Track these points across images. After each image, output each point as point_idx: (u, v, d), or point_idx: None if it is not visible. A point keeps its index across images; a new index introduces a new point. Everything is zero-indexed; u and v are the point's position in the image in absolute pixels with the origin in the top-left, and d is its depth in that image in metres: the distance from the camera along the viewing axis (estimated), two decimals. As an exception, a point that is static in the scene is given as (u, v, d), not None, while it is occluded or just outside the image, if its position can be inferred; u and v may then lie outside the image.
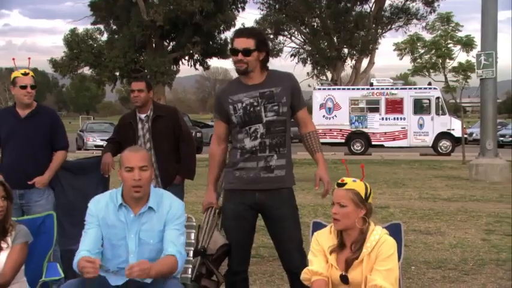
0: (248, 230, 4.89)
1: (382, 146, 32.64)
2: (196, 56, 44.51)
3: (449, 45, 24.92)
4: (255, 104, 4.75)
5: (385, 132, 32.43)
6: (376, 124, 32.50)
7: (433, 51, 25.08)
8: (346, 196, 3.91)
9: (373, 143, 32.66)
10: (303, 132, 4.97)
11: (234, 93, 4.81)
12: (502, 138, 37.05)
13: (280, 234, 4.83)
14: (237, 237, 4.85)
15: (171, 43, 44.99)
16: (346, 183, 3.95)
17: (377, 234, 3.92)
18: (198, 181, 12.97)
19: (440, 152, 31.69)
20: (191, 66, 45.34)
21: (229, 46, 5.05)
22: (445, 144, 31.99)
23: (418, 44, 25.74)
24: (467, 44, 24.40)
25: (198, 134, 33.10)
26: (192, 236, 4.57)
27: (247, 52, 4.72)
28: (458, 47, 24.75)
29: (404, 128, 32.23)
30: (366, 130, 32.63)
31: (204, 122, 47.96)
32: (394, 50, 26.71)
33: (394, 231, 4.22)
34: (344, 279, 3.89)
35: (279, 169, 4.80)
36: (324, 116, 32.85)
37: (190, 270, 4.49)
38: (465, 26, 25.35)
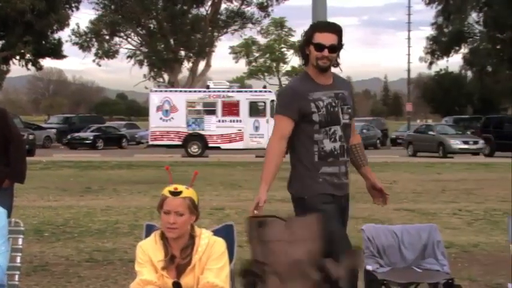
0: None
1: (218, 148, 32.97)
2: (28, 56, 42.90)
3: (282, 50, 25.65)
4: (333, 104, 4.50)
5: (222, 135, 32.81)
6: (213, 126, 32.82)
7: (268, 55, 25.73)
8: (184, 204, 3.85)
9: (209, 145, 32.93)
10: (355, 143, 4.74)
11: (313, 90, 4.49)
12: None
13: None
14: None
15: (1, 42, 43.07)
16: (181, 191, 3.86)
17: (206, 238, 3.93)
18: (29, 184, 12.55)
19: (275, 153, 32.42)
20: (23, 66, 43.71)
21: (308, 39, 4.49)
22: (280, 146, 32.81)
23: (253, 48, 26.31)
24: (300, 48, 25.22)
25: (31, 136, 31.85)
26: (20, 241, 4.31)
27: (333, 49, 4.45)
28: (292, 51, 25.53)
29: (241, 130, 32.76)
30: (202, 132, 32.85)
31: (37, 124, 46.41)
32: (230, 53, 27.12)
33: (227, 232, 4.26)
34: (177, 286, 3.85)
35: (348, 174, 4.65)
36: (161, 118, 32.77)
37: (17, 276, 4.27)
38: (298, 31, 26.20)
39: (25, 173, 6.78)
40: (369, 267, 5.08)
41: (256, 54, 25.55)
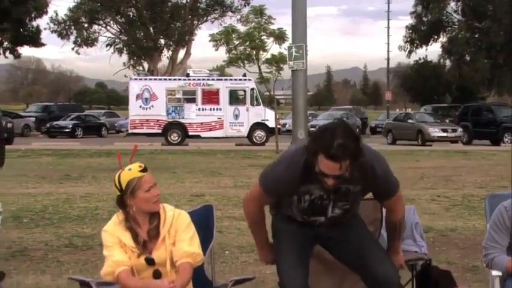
0: (303, 246, 4.08)
1: (198, 136, 32.93)
2: (5, 44, 42.46)
3: (262, 37, 25.60)
4: (325, 197, 3.93)
5: (202, 123, 32.75)
6: (193, 115, 32.75)
7: (247, 43, 25.65)
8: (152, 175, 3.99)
9: (189, 133, 32.86)
10: (387, 219, 4.22)
11: (305, 182, 3.86)
12: (312, 129, 38.61)
13: (360, 254, 4.06)
14: (291, 246, 4.06)
15: (-23, 29, 42.64)
16: (144, 166, 3.97)
17: (170, 210, 3.99)
18: (7, 172, 12.28)
19: (255, 141, 32.42)
20: (0, 54, 43.27)
21: (312, 157, 3.72)
22: (259, 134, 32.81)
23: (233, 36, 26.21)
24: (279, 36, 25.20)
25: (9, 125, 31.51)
26: None
27: (340, 177, 3.73)
28: (271, 39, 25.49)
29: (221, 118, 32.73)
30: (182, 120, 32.76)
31: (16, 112, 46.02)
32: (210, 41, 27.01)
33: (206, 212, 4.33)
34: (150, 261, 3.91)
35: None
36: (140, 107, 32.66)
37: None
38: (277, 19, 26.14)
39: (4, 156, 6.72)
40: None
41: (236, 42, 25.48)
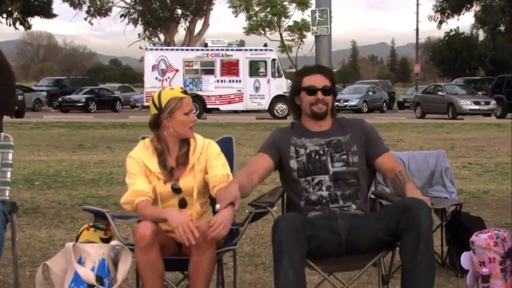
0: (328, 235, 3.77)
1: (217, 109, 32.17)
2: (15, 14, 41.59)
3: (284, 3, 24.72)
4: (321, 152, 4.03)
5: (221, 95, 31.84)
6: (211, 87, 31.81)
7: (268, 9, 24.79)
8: None
9: (208, 106, 31.93)
10: (390, 177, 4.03)
11: (298, 136, 4.08)
12: (337, 103, 37.51)
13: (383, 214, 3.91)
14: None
15: (-14, -1, 41.75)
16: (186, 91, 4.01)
17: (200, 139, 3.94)
18: (19, 142, 11.71)
19: (276, 115, 31.40)
20: (10, 25, 42.45)
21: (297, 87, 4.09)
22: (281, 107, 31.59)
23: (253, 1, 25.31)
24: (302, 2, 24.32)
25: (20, 97, 30.72)
26: (10, 156, 4.35)
27: (327, 91, 4.04)
28: (294, 5, 24.61)
29: (240, 90, 31.81)
30: (200, 93, 31.73)
31: (27, 87, 45.23)
32: (229, 7, 26.10)
33: (227, 144, 4.36)
34: (176, 190, 3.81)
35: (358, 210, 3.98)
36: (156, 78, 31.75)
37: (7, 192, 4.27)
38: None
39: (14, 105, 6.28)
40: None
41: (257, 8, 24.58)
